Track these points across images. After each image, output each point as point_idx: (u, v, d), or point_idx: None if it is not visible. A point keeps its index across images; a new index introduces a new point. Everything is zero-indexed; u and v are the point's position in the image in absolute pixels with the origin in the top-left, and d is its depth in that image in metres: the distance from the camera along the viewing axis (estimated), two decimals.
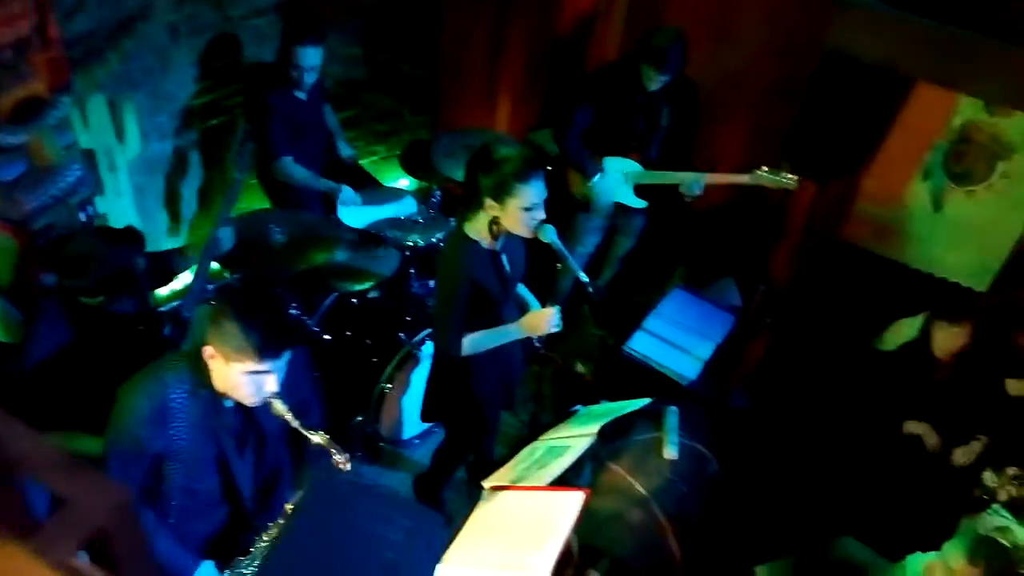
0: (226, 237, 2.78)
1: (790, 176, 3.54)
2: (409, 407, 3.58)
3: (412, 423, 3.68)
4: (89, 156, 3.43)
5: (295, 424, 2.05)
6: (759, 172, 3.55)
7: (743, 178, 3.59)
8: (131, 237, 2.58)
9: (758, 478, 3.66)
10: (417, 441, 3.75)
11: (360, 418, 3.45)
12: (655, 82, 3.50)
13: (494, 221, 2.51)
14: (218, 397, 2.12)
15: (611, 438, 3.40)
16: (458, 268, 2.57)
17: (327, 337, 3.53)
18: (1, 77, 2.66)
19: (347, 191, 3.78)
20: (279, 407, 2.05)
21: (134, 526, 0.76)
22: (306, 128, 3.82)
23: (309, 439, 2.04)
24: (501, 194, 2.44)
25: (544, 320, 2.62)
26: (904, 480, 3.35)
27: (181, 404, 2.08)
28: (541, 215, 2.50)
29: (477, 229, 2.57)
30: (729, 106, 4.24)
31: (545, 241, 2.55)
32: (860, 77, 3.70)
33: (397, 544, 1.10)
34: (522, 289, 2.92)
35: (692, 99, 3.72)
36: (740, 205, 4.42)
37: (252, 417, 2.20)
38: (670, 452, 3.16)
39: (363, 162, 4.63)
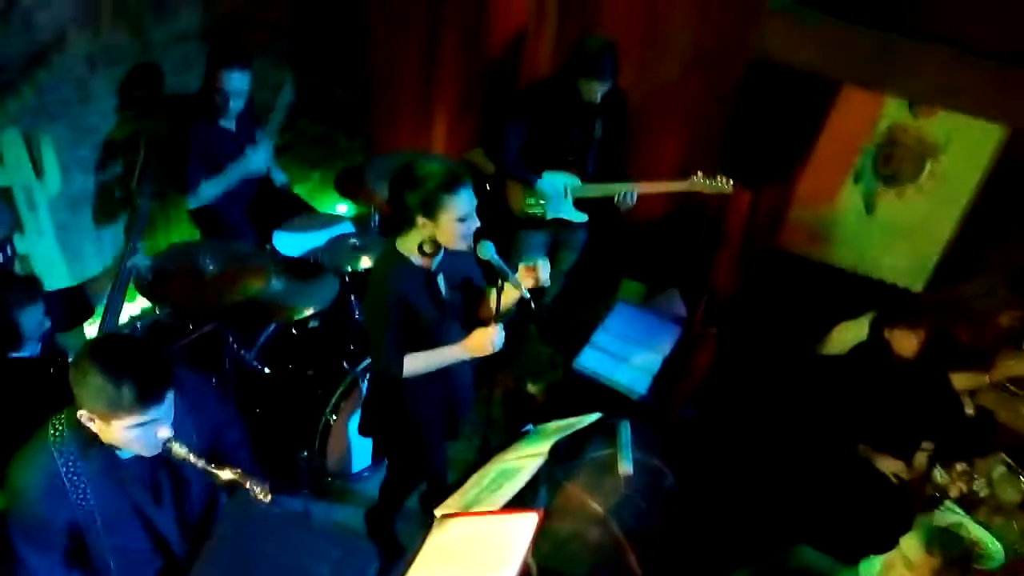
0: (139, 266, 2.65)
1: (726, 180, 3.57)
2: (356, 439, 3.47)
3: (360, 455, 3.57)
4: (5, 194, 3.27)
5: (200, 465, 1.93)
6: (695, 178, 3.58)
7: (680, 185, 3.62)
8: (24, 285, 2.42)
9: (712, 489, 3.65)
10: (367, 474, 3.63)
11: (305, 453, 3.33)
12: (597, 92, 3.48)
13: (425, 242, 2.46)
14: (113, 452, 1.98)
15: (565, 457, 3.36)
16: (387, 285, 2.52)
17: (267, 370, 3.41)
18: None
19: (254, 151, 3.68)
20: (179, 451, 1.92)
21: None
22: (232, 159, 3.71)
23: (218, 477, 1.92)
24: (431, 209, 2.40)
25: (488, 339, 2.57)
26: (856, 485, 3.36)
27: (74, 470, 1.93)
28: (475, 224, 2.46)
29: (409, 247, 2.52)
30: (664, 115, 4.27)
31: (484, 258, 2.51)
32: (786, 83, 3.76)
33: None
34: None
35: (622, 110, 3.73)
36: (680, 215, 4.44)
37: (157, 461, 2.05)
38: (625, 468, 3.12)
39: (298, 189, 4.53)
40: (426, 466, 3.03)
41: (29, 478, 1.92)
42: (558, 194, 3.77)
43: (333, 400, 3.26)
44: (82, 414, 1.86)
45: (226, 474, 1.92)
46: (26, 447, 1.96)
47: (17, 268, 3.40)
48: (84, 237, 3.79)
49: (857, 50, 3.57)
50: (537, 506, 3.04)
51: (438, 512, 2.40)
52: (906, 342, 3.28)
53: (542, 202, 3.77)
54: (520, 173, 3.72)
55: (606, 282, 4.63)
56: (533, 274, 2.54)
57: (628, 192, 3.62)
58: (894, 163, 3.97)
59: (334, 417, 3.28)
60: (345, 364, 3.38)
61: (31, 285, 2.43)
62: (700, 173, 3.61)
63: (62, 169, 3.48)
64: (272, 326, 3.48)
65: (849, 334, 3.65)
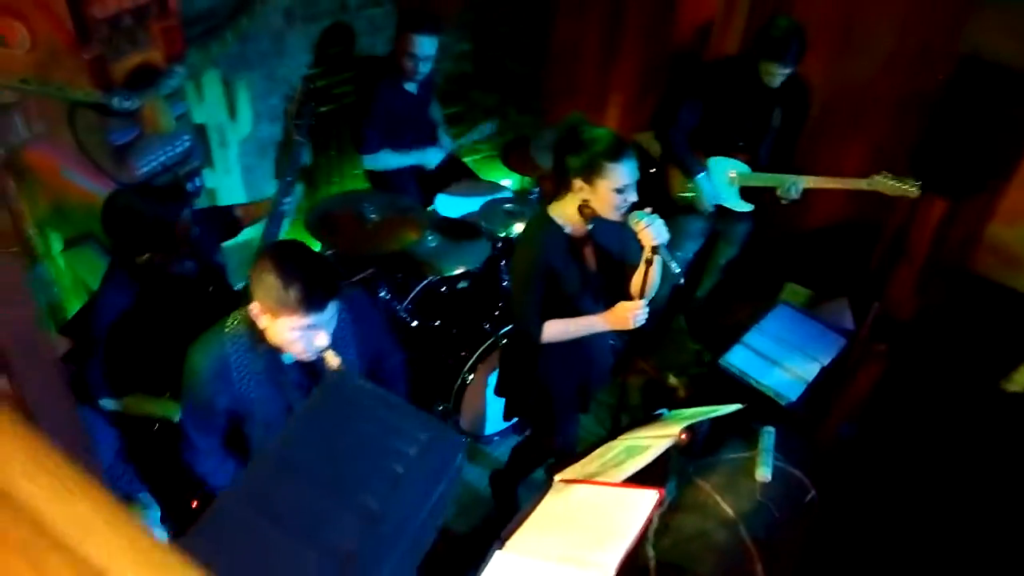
0: (291, 201, 2.79)
1: (912, 183, 3.27)
2: (491, 402, 3.50)
3: (494, 419, 3.59)
4: (200, 130, 3.54)
5: None
6: (878, 177, 3.31)
7: (860, 183, 3.35)
8: (174, 194, 2.56)
9: (858, 514, 3.38)
10: (498, 438, 3.65)
11: (442, 407, 3.39)
12: (776, 76, 3.29)
13: (584, 204, 2.41)
14: (276, 353, 2.10)
15: (700, 454, 3.23)
16: (534, 248, 2.49)
17: (414, 323, 3.50)
18: (119, 42, 2.74)
19: (432, 151, 3.79)
20: (332, 361, 2.01)
21: (34, 347, 0.71)
22: (412, 121, 3.85)
23: None
24: (591, 174, 2.35)
25: (630, 314, 2.49)
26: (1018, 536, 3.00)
27: (241, 361, 2.07)
28: (633, 197, 2.38)
29: (563, 213, 2.49)
30: (853, 113, 3.99)
31: (635, 229, 2.43)
32: (997, 84, 3.40)
33: (408, 459, 1.00)
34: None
35: (804, 101, 3.50)
36: (860, 221, 4.14)
37: (316, 371, 2.16)
38: (763, 474, 2.97)
39: (466, 160, 4.63)
40: (560, 437, 2.99)
41: (202, 361, 2.08)
42: (723, 181, 3.60)
43: (473, 360, 3.29)
44: (254, 307, 1.98)
45: None
46: (205, 333, 2.12)
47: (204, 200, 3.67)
48: (267, 180, 4.05)
49: None
50: (665, 498, 2.96)
51: (558, 477, 2.36)
52: None
53: (696, 192, 3.61)
54: (682, 157, 3.58)
55: (769, 283, 4.39)
56: (645, 231, 2.38)
57: (793, 184, 3.40)
58: None
59: (472, 376, 3.31)
60: (488, 327, 3.40)
61: (180, 193, 2.57)
62: (884, 172, 3.34)
63: (253, 114, 3.74)
64: (424, 282, 3.56)
65: None
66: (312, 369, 2.15)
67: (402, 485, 0.98)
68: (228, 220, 2.85)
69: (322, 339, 1.99)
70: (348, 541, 0.92)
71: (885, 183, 3.30)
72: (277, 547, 0.90)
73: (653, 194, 3.83)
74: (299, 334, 1.96)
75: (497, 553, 2.10)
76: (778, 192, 3.45)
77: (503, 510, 3.26)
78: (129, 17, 2.74)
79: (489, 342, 3.33)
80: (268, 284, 1.91)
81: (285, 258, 1.94)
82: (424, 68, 3.67)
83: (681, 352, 4.25)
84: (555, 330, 2.58)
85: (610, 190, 2.36)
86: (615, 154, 2.34)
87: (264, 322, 1.99)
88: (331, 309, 1.96)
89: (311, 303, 1.91)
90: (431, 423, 1.09)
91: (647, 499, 2.11)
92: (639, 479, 2.29)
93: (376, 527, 0.93)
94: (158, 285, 2.49)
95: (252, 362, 2.08)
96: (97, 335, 2.44)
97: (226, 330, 2.09)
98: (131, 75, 2.90)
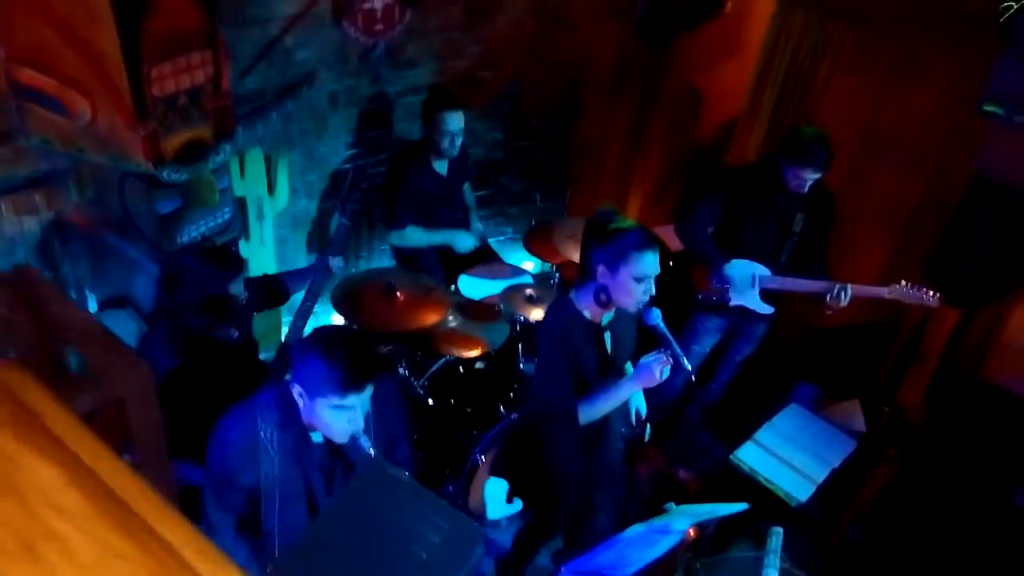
0: (336, 269, 2.90)
1: (931, 294, 3.35)
2: (500, 486, 3.51)
3: (502, 504, 3.60)
4: (240, 203, 3.69)
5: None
6: (897, 286, 3.38)
7: (881, 291, 3.43)
8: (229, 260, 2.67)
9: None
10: (505, 523, 3.65)
11: (451, 488, 3.41)
12: (807, 181, 3.37)
13: (603, 290, 2.49)
14: (306, 432, 2.17)
15: (707, 552, 3.22)
16: (554, 330, 2.55)
17: (430, 401, 3.56)
18: (174, 120, 2.91)
19: (463, 235, 3.93)
20: (365, 444, 2.07)
21: (150, 404, 0.79)
22: (440, 202, 3.99)
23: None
24: (615, 261, 2.42)
25: (657, 366, 2.46)
26: None
27: (270, 438, 2.13)
28: (651, 291, 2.45)
29: (583, 299, 2.56)
30: (871, 222, 4.09)
31: (650, 324, 2.50)
32: (1012, 201, 3.49)
33: (432, 546, 1.07)
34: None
35: (828, 208, 3.60)
36: (876, 322, 4.19)
37: (339, 453, 2.22)
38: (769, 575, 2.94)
39: (490, 241, 4.76)
40: (558, 519, 3.00)
41: (229, 435, 2.14)
42: (744, 282, 3.68)
43: (484, 442, 3.33)
44: (295, 387, 2.07)
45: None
46: (234, 408, 2.19)
47: None
48: (299, 254, 4.19)
49: None
50: None
51: (564, 568, 2.38)
52: None
53: (726, 287, 3.68)
54: (703, 250, 3.67)
55: (782, 381, 4.43)
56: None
57: (841, 291, 3.44)
58: None
59: (483, 457, 3.35)
60: (502, 408, 3.45)
61: (235, 259, 2.68)
62: (904, 282, 3.42)
63: (291, 190, 3.90)
64: (441, 360, 3.63)
65: None
66: (337, 452, 2.21)
67: (425, 570, 1.04)
68: (277, 288, 2.96)
69: (356, 420, 2.07)
70: None
71: (904, 292, 3.38)
72: None
73: (672, 288, 3.93)
74: (336, 413, 2.04)
75: None
76: (828, 300, 3.46)
77: None
78: (185, 96, 2.91)
79: (501, 424, 3.37)
80: (312, 365, 2.01)
81: (331, 341, 2.04)
82: (453, 146, 3.83)
83: (693, 445, 4.26)
84: (588, 409, 2.58)
85: (631, 278, 2.41)
86: (640, 244, 2.41)
87: (303, 401, 2.07)
88: (368, 390, 2.06)
89: (351, 385, 2.00)
90: (454, 514, 1.17)
91: None
92: (645, 573, 2.32)
93: None
94: (198, 348, 2.58)
95: (281, 440, 2.14)
96: None
97: (257, 406, 2.16)
98: (181, 150, 3.06)
